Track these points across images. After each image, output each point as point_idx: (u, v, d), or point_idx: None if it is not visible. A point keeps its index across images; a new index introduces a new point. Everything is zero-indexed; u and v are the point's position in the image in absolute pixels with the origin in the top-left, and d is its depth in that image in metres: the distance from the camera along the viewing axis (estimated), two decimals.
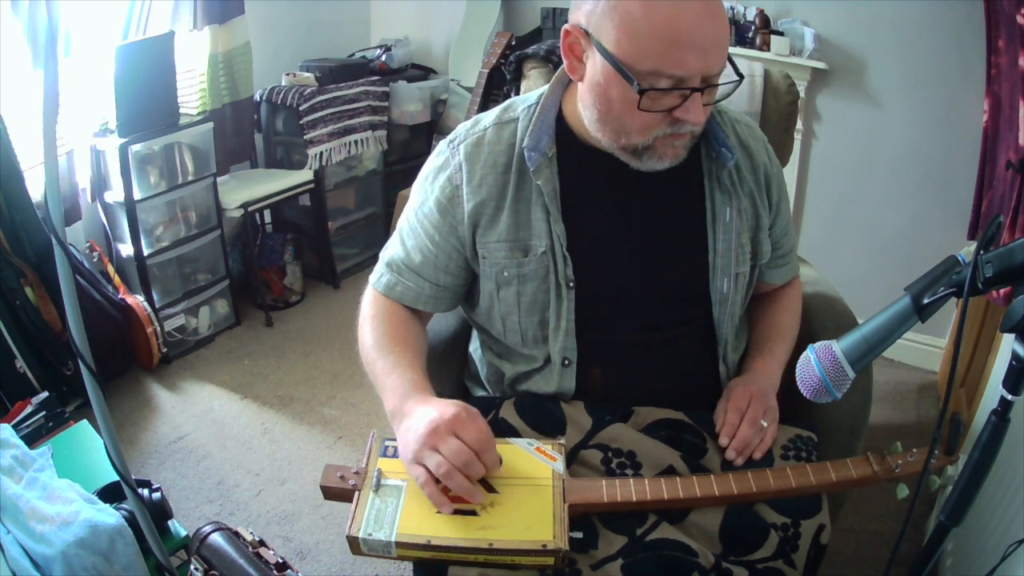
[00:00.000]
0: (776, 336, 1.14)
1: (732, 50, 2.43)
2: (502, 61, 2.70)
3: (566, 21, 0.93)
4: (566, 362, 1.04)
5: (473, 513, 0.87)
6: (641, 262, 1.03)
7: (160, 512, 1.42)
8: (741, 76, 0.91)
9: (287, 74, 2.88)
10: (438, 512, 0.87)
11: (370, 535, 0.85)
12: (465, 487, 0.86)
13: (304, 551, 1.75)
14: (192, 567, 1.31)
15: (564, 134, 1.03)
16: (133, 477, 1.12)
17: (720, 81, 0.89)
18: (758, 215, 1.07)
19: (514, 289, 1.03)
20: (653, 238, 1.03)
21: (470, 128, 1.06)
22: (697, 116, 0.88)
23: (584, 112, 0.97)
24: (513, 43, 2.77)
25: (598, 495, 0.91)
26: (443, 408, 0.89)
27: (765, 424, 1.00)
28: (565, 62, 0.95)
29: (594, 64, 0.91)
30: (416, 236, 1.08)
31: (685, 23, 0.82)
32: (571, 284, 1.01)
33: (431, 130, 3.24)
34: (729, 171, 1.03)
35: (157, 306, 2.45)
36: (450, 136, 1.08)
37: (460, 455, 0.85)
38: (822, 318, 1.26)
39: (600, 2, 0.87)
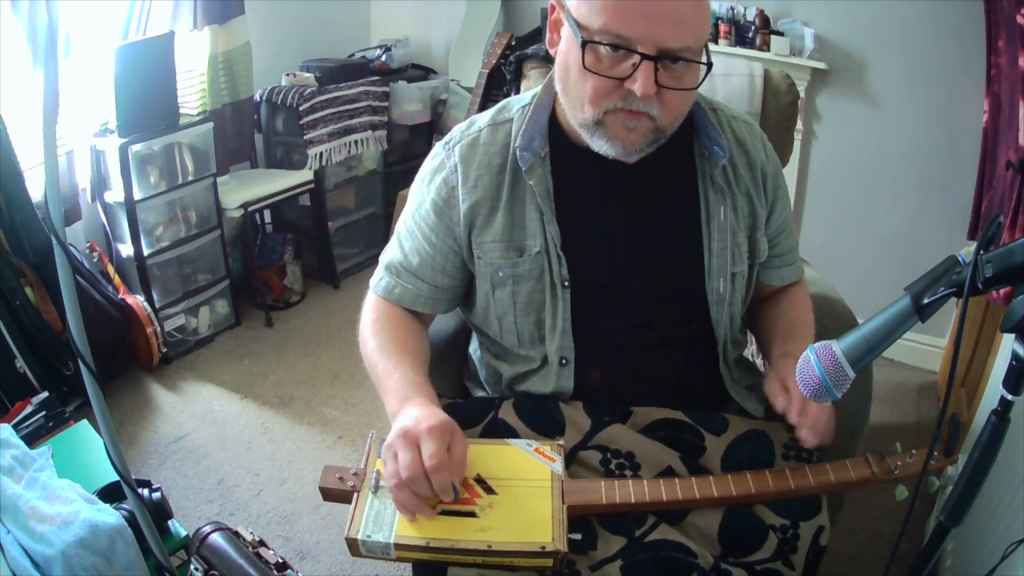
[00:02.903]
0: (802, 324, 1.12)
1: (732, 50, 2.46)
2: (502, 61, 2.70)
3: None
4: (563, 362, 1.04)
5: (472, 515, 0.87)
6: (636, 262, 1.03)
7: (160, 512, 1.43)
8: (710, 64, 0.89)
9: (287, 74, 2.88)
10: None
11: (369, 537, 0.85)
12: (405, 501, 0.85)
13: (304, 551, 1.75)
14: (192, 567, 1.31)
15: (557, 134, 1.02)
16: (133, 477, 1.12)
17: (697, 72, 0.89)
18: (755, 213, 1.06)
19: (509, 289, 1.03)
20: (648, 238, 1.03)
21: (465, 129, 1.06)
22: (644, 87, 0.85)
23: (557, 89, 0.97)
24: (513, 43, 2.77)
25: (597, 496, 0.91)
26: (423, 417, 0.87)
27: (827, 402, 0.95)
28: (547, 37, 0.96)
29: (563, 32, 0.92)
30: (413, 238, 1.08)
31: None
32: (566, 284, 1.01)
33: (431, 130, 3.24)
34: (723, 169, 1.03)
35: (157, 306, 2.45)
36: (445, 138, 1.08)
37: (408, 469, 0.84)
38: (822, 318, 1.26)
39: None
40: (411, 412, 0.90)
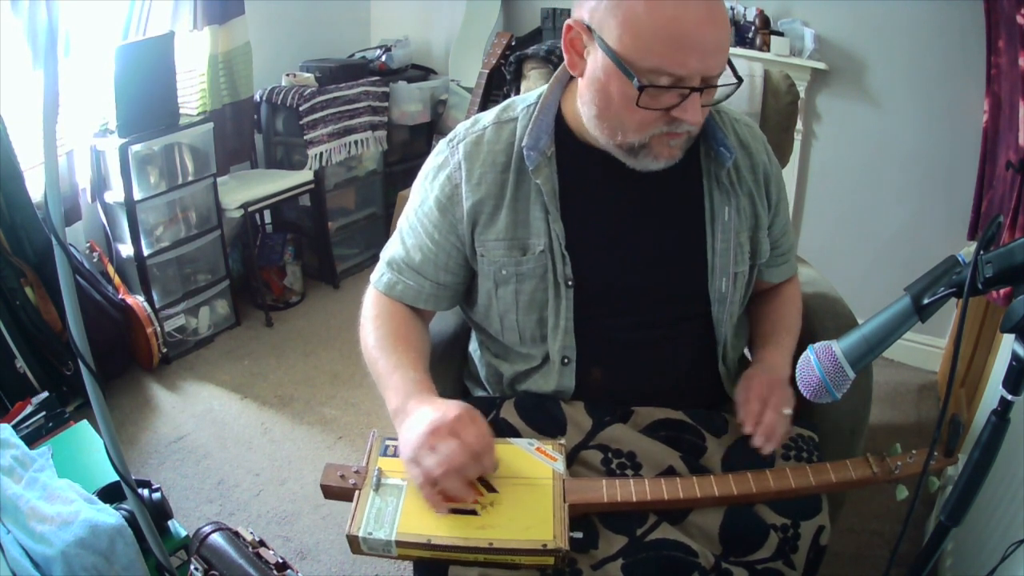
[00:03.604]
0: (782, 329, 1.14)
1: (732, 50, 2.45)
2: (502, 61, 2.70)
3: (567, 20, 0.93)
4: (565, 360, 1.04)
5: (473, 512, 0.87)
6: (640, 261, 1.03)
7: (160, 512, 1.43)
8: (740, 79, 0.91)
9: (287, 74, 2.88)
10: (435, 512, 0.87)
11: (370, 534, 0.85)
12: (459, 489, 0.86)
13: (304, 551, 1.75)
14: (192, 567, 1.31)
15: (563, 133, 1.03)
16: (133, 477, 1.12)
17: (720, 83, 0.89)
18: (757, 214, 1.07)
19: (512, 287, 1.03)
20: (652, 237, 1.04)
21: (469, 127, 1.07)
22: (695, 116, 0.88)
23: (582, 109, 0.97)
24: (513, 43, 2.77)
25: (598, 495, 0.91)
26: (446, 409, 0.89)
27: (787, 412, 1.00)
28: (566, 57, 0.96)
29: (595, 60, 0.91)
30: (416, 235, 1.08)
31: (688, 24, 0.83)
32: (570, 283, 1.01)
33: (431, 130, 3.25)
34: (728, 170, 1.03)
35: (157, 306, 2.45)
36: (449, 135, 1.08)
37: (457, 456, 0.85)
38: (822, 318, 1.26)
39: None
40: (424, 410, 0.90)
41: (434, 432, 0.86)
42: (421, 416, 0.89)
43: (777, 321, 1.16)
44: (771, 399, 1.00)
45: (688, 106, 0.88)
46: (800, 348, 0.88)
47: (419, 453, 0.87)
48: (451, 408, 0.89)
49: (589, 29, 0.90)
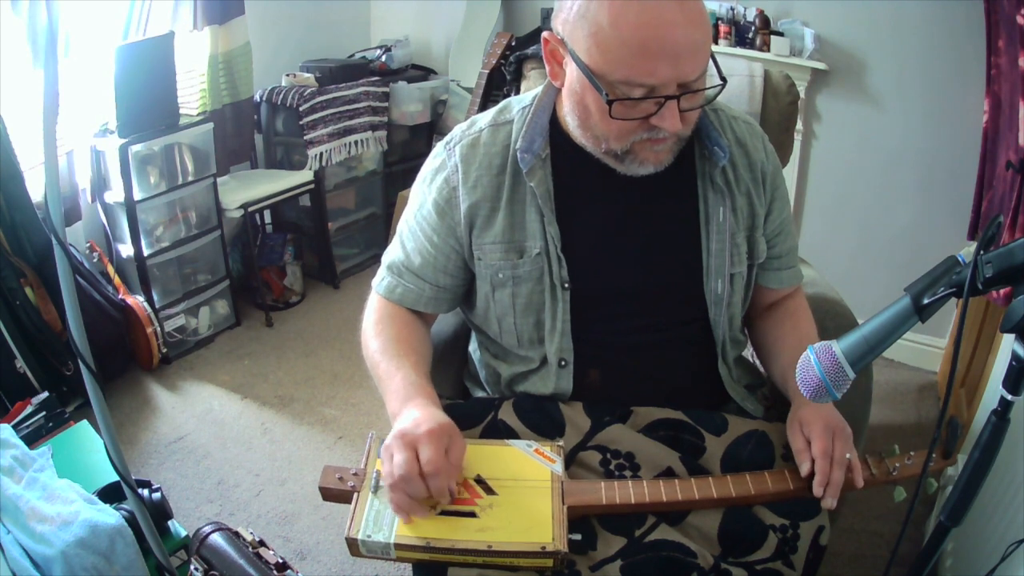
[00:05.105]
0: None
1: (732, 50, 2.46)
2: (502, 62, 2.70)
3: (543, 33, 0.93)
4: (563, 363, 1.04)
5: (472, 515, 0.87)
6: (635, 263, 1.03)
7: (160, 512, 1.43)
8: (724, 80, 0.90)
9: (287, 74, 2.88)
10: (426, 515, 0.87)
11: (369, 537, 0.85)
12: (400, 501, 0.85)
13: (304, 551, 1.75)
14: (192, 567, 1.31)
15: (558, 135, 1.03)
16: (133, 477, 1.12)
17: (706, 85, 0.89)
18: (755, 214, 1.06)
19: (509, 291, 1.03)
20: (647, 239, 1.03)
21: (466, 129, 1.07)
22: (673, 124, 0.87)
23: (567, 117, 0.98)
24: (513, 43, 2.77)
25: (597, 497, 0.91)
26: (422, 420, 0.88)
27: (849, 456, 0.95)
28: (547, 68, 0.96)
29: (571, 71, 0.91)
30: (415, 238, 1.08)
31: (654, 31, 0.82)
32: (566, 285, 1.01)
33: (431, 130, 3.25)
34: (723, 170, 1.03)
35: (157, 306, 2.45)
36: (446, 138, 1.08)
37: (403, 469, 0.84)
38: (822, 318, 1.26)
39: (573, 10, 0.87)
40: (410, 414, 0.90)
41: (400, 438, 0.86)
42: (402, 419, 0.90)
43: (804, 338, 1.08)
44: (836, 453, 0.93)
45: (666, 114, 0.86)
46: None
47: (383, 455, 0.88)
48: (428, 421, 0.87)
49: (563, 42, 0.90)
